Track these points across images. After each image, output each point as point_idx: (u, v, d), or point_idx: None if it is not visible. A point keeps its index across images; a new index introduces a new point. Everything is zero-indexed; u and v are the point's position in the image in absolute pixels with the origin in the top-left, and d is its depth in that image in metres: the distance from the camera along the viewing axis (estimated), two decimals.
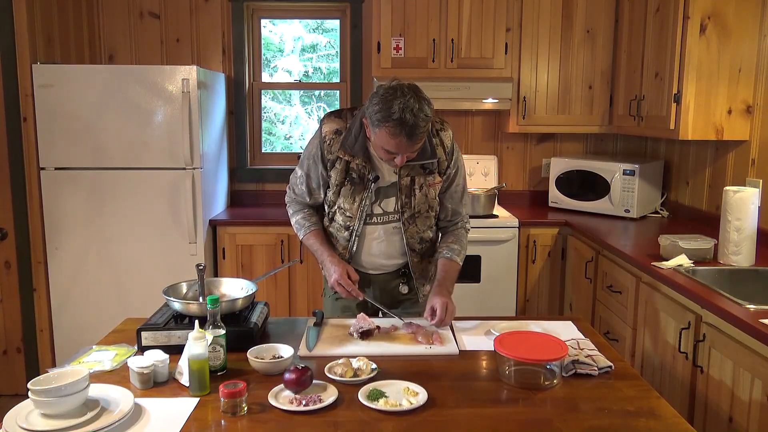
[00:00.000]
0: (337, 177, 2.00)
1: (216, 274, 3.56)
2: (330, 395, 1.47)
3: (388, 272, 2.16)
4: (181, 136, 3.28)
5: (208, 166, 3.52)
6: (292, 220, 2.18)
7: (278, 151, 4.28)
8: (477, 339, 1.86)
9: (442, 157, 2.01)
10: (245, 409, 1.41)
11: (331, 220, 2.11)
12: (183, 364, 1.56)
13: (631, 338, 2.68)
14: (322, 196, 2.11)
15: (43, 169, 3.29)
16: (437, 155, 1.99)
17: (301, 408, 1.41)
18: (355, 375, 1.57)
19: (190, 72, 3.25)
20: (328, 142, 1.99)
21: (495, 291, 3.50)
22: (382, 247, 2.09)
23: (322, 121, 2.04)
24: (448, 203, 2.12)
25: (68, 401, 1.31)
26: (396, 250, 2.10)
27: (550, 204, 3.86)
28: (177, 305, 1.78)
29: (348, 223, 2.05)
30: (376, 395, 1.46)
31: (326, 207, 2.12)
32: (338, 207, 2.05)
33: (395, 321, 1.97)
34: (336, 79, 4.19)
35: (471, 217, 3.39)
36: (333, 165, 2.00)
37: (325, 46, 4.26)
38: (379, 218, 2.05)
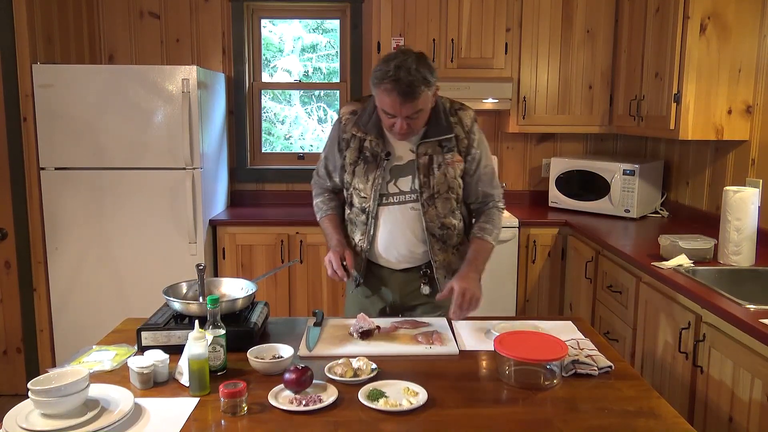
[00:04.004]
0: (351, 156, 2.02)
1: (216, 274, 3.56)
2: (330, 395, 1.47)
3: (409, 269, 2.10)
4: (181, 136, 3.28)
5: (208, 166, 3.52)
6: (314, 202, 2.22)
7: (278, 151, 4.28)
8: (477, 339, 1.86)
9: (461, 135, 1.99)
10: (245, 409, 1.41)
11: (351, 205, 2.09)
12: (183, 364, 1.56)
13: (631, 338, 2.68)
14: (338, 180, 2.12)
15: (43, 169, 3.29)
16: (454, 131, 1.98)
17: (301, 408, 1.41)
18: (355, 375, 1.57)
19: (190, 72, 3.25)
20: (343, 122, 2.04)
21: (495, 291, 3.49)
22: (400, 231, 2.03)
23: (340, 108, 2.10)
24: (479, 186, 2.08)
25: (68, 401, 1.31)
26: (416, 236, 2.04)
27: (550, 204, 3.86)
28: (177, 305, 1.78)
29: (363, 204, 2.03)
30: (376, 395, 1.46)
31: (345, 192, 2.12)
32: (354, 188, 2.04)
33: (397, 320, 1.97)
34: (336, 79, 4.19)
35: None
36: (348, 144, 2.02)
37: (325, 46, 4.26)
38: (395, 198, 2.01)
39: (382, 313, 2.16)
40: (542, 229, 3.54)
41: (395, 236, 2.04)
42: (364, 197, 2.02)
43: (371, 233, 2.04)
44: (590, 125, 3.76)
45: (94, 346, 1.79)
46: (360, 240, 2.07)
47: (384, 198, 2.02)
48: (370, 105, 1.97)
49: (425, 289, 2.10)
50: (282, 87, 4.26)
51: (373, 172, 1.99)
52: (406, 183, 2.01)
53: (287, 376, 1.48)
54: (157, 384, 1.56)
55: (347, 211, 2.13)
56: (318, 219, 2.18)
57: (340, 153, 2.05)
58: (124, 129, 3.28)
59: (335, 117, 2.12)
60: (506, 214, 3.63)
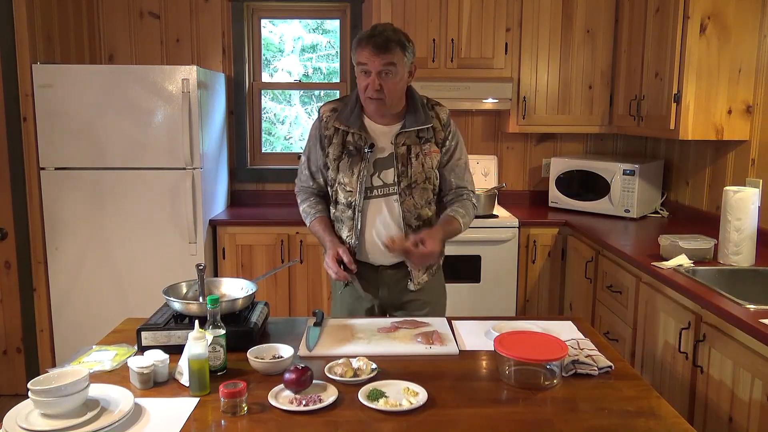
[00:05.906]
0: (335, 151, 2.05)
1: (216, 274, 3.56)
2: (330, 395, 1.47)
3: (396, 265, 2.13)
4: (181, 136, 3.28)
5: (208, 166, 3.52)
6: (300, 209, 2.22)
7: (278, 151, 4.28)
8: (477, 339, 1.86)
9: (438, 127, 2.07)
10: (245, 409, 1.41)
11: (336, 202, 2.11)
12: (183, 364, 1.56)
13: (631, 338, 2.68)
14: (322, 180, 2.15)
15: (43, 169, 3.29)
16: (431, 123, 2.05)
17: (301, 408, 1.41)
18: (355, 375, 1.57)
19: (190, 72, 3.25)
20: (325, 120, 2.08)
21: (495, 291, 3.50)
22: (385, 225, 2.07)
23: (320, 108, 2.13)
24: (452, 177, 2.13)
25: (68, 401, 1.31)
26: (401, 228, 2.07)
27: (550, 204, 3.86)
28: (177, 305, 1.78)
29: (349, 198, 2.06)
30: (376, 395, 1.46)
31: (329, 189, 2.14)
32: (338, 183, 2.07)
33: (397, 320, 1.97)
34: (336, 79, 4.19)
35: None
36: (330, 141, 2.06)
37: (325, 46, 4.26)
38: (380, 191, 2.06)
39: (370, 312, 2.19)
40: (542, 229, 3.53)
41: (381, 230, 2.08)
42: (350, 191, 2.05)
43: (358, 228, 2.07)
44: (590, 125, 3.76)
45: (94, 346, 1.79)
46: (348, 236, 2.10)
47: (369, 191, 2.06)
48: (351, 100, 2.06)
49: (412, 285, 2.14)
50: (282, 87, 4.26)
51: (357, 165, 2.03)
52: (389, 175, 2.05)
53: (287, 376, 1.48)
54: (157, 384, 1.56)
55: (332, 210, 2.15)
56: (307, 224, 2.19)
57: (323, 150, 2.09)
58: (124, 129, 3.28)
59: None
60: (506, 213, 3.63)
